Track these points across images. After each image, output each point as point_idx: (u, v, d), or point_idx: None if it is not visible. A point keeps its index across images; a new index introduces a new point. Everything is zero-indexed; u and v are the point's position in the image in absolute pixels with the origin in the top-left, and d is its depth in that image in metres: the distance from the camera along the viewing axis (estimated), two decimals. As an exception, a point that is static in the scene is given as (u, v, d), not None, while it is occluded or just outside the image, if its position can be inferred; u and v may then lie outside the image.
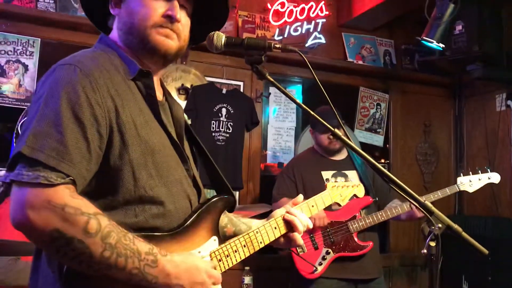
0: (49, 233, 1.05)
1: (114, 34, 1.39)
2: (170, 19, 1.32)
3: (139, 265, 1.12)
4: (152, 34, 1.31)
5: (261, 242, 1.49)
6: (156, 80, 1.39)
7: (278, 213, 1.58)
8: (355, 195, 1.89)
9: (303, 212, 1.62)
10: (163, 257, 1.17)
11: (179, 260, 1.20)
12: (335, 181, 1.83)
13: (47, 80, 1.19)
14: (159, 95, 1.40)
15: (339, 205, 1.85)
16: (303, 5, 4.24)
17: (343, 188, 1.84)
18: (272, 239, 1.53)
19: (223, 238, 1.46)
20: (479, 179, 3.10)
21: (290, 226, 1.55)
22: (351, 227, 3.06)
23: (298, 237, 1.57)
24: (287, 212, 1.56)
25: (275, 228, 1.53)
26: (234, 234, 1.56)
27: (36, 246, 1.20)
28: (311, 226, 1.61)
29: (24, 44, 3.46)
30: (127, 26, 1.33)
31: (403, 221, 3.17)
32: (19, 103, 3.44)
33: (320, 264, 3.02)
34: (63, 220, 1.05)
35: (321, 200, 1.72)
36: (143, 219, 1.22)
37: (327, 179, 1.87)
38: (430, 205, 1.29)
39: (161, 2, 1.33)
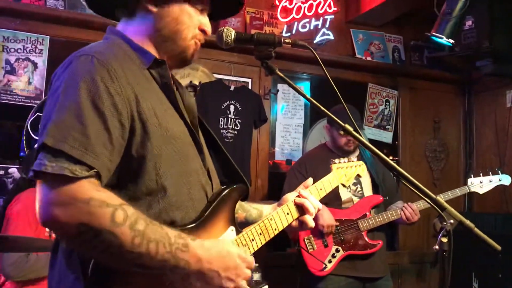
0: (76, 227, 1.04)
1: (131, 27, 1.36)
2: (204, 33, 1.39)
3: (171, 249, 1.11)
4: (190, 46, 1.37)
5: (275, 229, 1.50)
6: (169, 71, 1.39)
7: (289, 197, 1.58)
8: (358, 174, 1.91)
9: (312, 195, 1.62)
10: (192, 241, 1.16)
11: (209, 245, 1.19)
12: (339, 162, 1.83)
13: (64, 71, 1.17)
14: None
15: (344, 185, 1.86)
16: (311, 1, 4.22)
17: (347, 169, 1.85)
18: (286, 224, 1.53)
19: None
20: (490, 181, 3.17)
21: (301, 209, 1.56)
22: (361, 225, 3.05)
23: (309, 219, 1.58)
24: (297, 196, 1.57)
25: (288, 213, 1.54)
26: (245, 220, 1.57)
27: (64, 242, 1.18)
28: (321, 207, 1.61)
29: (34, 42, 3.47)
30: (169, 31, 1.34)
31: (404, 223, 3.16)
32: (29, 101, 3.45)
33: (330, 261, 3.01)
34: (89, 214, 1.04)
35: (328, 183, 1.74)
36: (163, 210, 1.21)
37: (332, 161, 1.87)
38: (442, 201, 1.28)
39: (200, 14, 1.38)
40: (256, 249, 1.43)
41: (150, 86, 1.27)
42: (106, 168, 1.11)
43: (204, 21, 1.39)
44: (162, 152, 1.21)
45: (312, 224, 1.58)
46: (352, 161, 1.87)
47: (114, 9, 1.41)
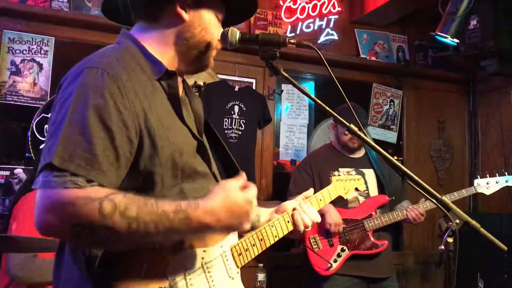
0: (70, 229, 1.05)
1: (150, 32, 1.35)
2: (221, 44, 1.42)
3: (171, 225, 1.10)
4: (212, 56, 1.41)
5: (276, 236, 1.58)
6: (179, 78, 1.39)
7: (289, 205, 1.65)
8: (356, 188, 2.02)
9: (312, 206, 1.70)
10: (194, 210, 1.13)
11: (217, 206, 1.16)
12: (338, 175, 1.91)
13: (73, 81, 1.17)
14: (180, 90, 1.41)
15: (343, 198, 1.96)
16: (315, 1, 4.22)
17: (346, 182, 1.95)
18: (286, 232, 1.61)
19: None
20: (497, 182, 3.18)
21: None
22: (367, 225, 3.05)
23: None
24: (295, 209, 1.64)
25: (288, 221, 1.62)
26: None
27: (67, 242, 1.19)
28: (319, 221, 1.67)
29: (39, 43, 3.49)
30: (197, 40, 1.36)
31: (409, 223, 3.18)
32: (34, 102, 3.47)
33: (335, 261, 3.01)
34: (78, 214, 1.04)
35: (327, 194, 1.83)
36: None
37: (332, 173, 1.96)
38: (447, 201, 1.28)
39: (220, 25, 1.41)
40: (257, 254, 1.51)
41: (158, 96, 1.27)
42: (112, 184, 1.12)
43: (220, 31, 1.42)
44: (169, 165, 1.23)
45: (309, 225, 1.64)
46: (351, 174, 1.98)
47: (128, 12, 1.39)
